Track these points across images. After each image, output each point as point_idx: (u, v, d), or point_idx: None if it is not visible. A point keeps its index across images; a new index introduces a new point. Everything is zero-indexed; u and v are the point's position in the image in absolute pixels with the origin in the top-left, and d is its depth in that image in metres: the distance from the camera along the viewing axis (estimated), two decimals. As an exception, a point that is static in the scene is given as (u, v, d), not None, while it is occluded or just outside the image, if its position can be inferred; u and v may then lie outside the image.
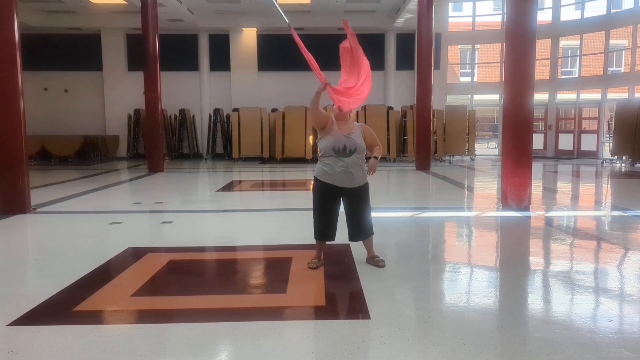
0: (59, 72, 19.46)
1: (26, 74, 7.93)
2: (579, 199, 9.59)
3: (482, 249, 5.59)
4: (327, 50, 22.80)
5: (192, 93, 19.84)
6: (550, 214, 7.47)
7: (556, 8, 19.12)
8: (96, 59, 19.45)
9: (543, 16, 19.36)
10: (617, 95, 18.37)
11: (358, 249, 4.92)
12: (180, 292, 3.96)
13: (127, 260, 4.94)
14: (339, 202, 4.44)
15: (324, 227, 4.43)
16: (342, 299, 3.86)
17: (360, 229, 4.46)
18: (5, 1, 7.21)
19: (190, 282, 4.27)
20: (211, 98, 19.93)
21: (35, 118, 16.20)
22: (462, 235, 6.35)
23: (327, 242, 4.57)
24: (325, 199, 4.38)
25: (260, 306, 3.68)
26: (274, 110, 18.29)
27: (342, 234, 5.51)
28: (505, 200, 7.56)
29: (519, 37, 7.42)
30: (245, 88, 19.67)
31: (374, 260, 4.53)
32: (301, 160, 17.15)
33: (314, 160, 17.20)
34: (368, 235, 4.52)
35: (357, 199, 4.41)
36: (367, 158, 4.43)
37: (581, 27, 18.49)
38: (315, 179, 4.43)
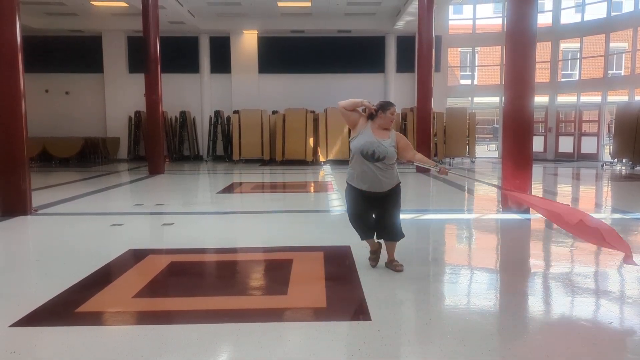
0: (60, 74, 19.50)
1: (27, 76, 7.94)
2: (580, 202, 9.59)
3: (483, 251, 5.60)
4: (326, 52, 22.84)
5: (192, 95, 19.87)
6: (551, 216, 7.47)
7: (556, 11, 19.15)
8: (97, 61, 19.50)
9: (543, 19, 19.37)
10: (618, 98, 18.38)
11: (359, 251, 4.93)
12: (181, 294, 3.97)
13: (128, 261, 4.95)
14: (372, 207, 4.41)
15: (363, 229, 4.43)
16: (343, 300, 3.86)
17: (387, 231, 4.41)
18: (7, 4, 7.24)
19: (192, 283, 4.27)
20: (212, 100, 19.96)
21: (36, 120, 16.20)
22: (462, 237, 6.35)
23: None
24: (358, 203, 4.36)
25: (262, 308, 3.69)
26: (274, 112, 18.31)
27: (340, 236, 5.51)
28: (506, 203, 7.57)
29: (519, 40, 7.44)
30: (246, 90, 19.70)
31: (392, 265, 4.47)
32: (302, 163, 17.16)
33: (315, 162, 17.30)
34: (395, 239, 4.45)
35: (387, 203, 4.35)
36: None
37: (581, 30, 18.51)
38: (347, 183, 4.42)
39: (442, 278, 4.48)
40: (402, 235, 4.47)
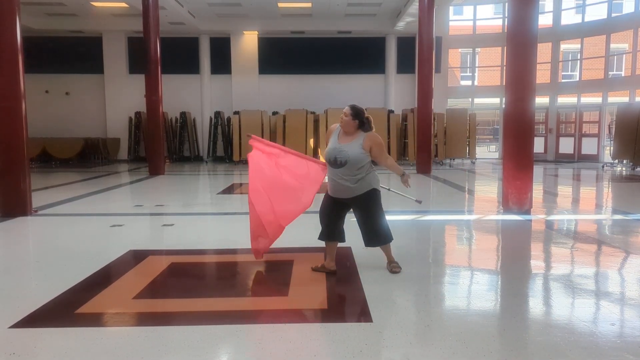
0: (60, 74, 19.50)
1: (28, 77, 7.94)
2: (580, 203, 9.59)
3: (483, 252, 5.59)
4: (327, 53, 22.78)
5: (193, 96, 19.87)
6: (552, 217, 7.47)
7: (557, 12, 19.16)
8: (97, 61, 19.49)
9: (544, 20, 19.36)
10: (618, 99, 18.38)
11: (360, 252, 4.93)
12: (181, 295, 3.96)
13: (128, 262, 4.94)
14: (344, 210, 4.38)
15: (326, 229, 4.43)
16: (344, 302, 3.85)
17: (369, 236, 4.35)
18: (7, 4, 7.24)
19: (192, 284, 4.27)
20: (212, 101, 19.96)
21: (36, 120, 16.21)
22: (463, 238, 6.34)
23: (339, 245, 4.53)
24: (328, 206, 4.38)
25: (263, 309, 3.69)
26: (274, 113, 18.30)
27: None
28: (507, 204, 7.56)
29: (520, 41, 7.43)
30: (246, 91, 19.70)
31: (390, 266, 4.43)
32: (302, 163, 17.13)
33: (315, 163, 17.28)
34: (382, 243, 4.38)
35: (360, 208, 4.30)
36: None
37: (582, 31, 18.51)
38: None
39: (443, 279, 4.47)
40: (388, 240, 4.37)
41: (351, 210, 4.40)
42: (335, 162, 4.17)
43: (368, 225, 4.32)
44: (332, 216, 4.37)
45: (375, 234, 4.33)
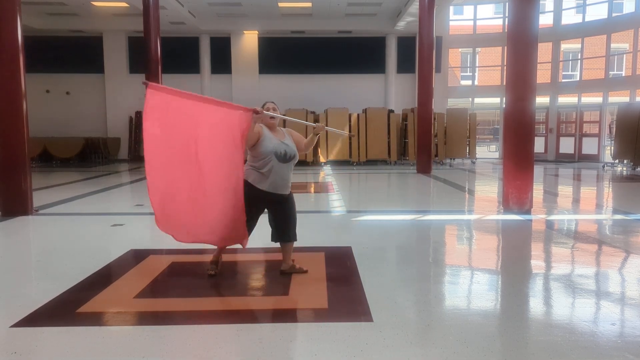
0: (61, 74, 19.53)
1: (29, 76, 7.94)
2: (580, 203, 9.59)
3: (484, 252, 5.59)
4: (327, 53, 22.70)
5: (193, 96, 19.87)
6: (552, 217, 7.47)
7: (557, 12, 19.17)
8: (98, 61, 19.52)
9: (544, 20, 19.35)
10: (619, 98, 18.39)
11: (360, 252, 4.93)
12: (182, 294, 3.97)
13: (129, 262, 4.95)
14: (267, 207, 4.32)
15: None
16: (345, 301, 3.85)
17: (285, 233, 4.34)
18: (8, 4, 7.25)
19: (193, 284, 4.27)
20: (212, 101, 19.94)
21: (37, 120, 16.20)
22: (463, 238, 6.34)
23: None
24: (253, 205, 4.15)
25: (263, 308, 3.69)
26: (275, 112, 18.31)
27: (341, 236, 5.51)
28: (507, 204, 7.56)
29: (520, 41, 7.44)
30: (246, 91, 19.70)
31: (295, 269, 4.41)
32: (302, 163, 17.15)
33: (315, 163, 17.30)
34: (290, 240, 4.37)
35: (288, 206, 4.30)
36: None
37: (582, 31, 18.52)
38: (247, 184, 4.05)
39: (444, 279, 4.47)
40: (296, 238, 4.42)
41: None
42: (285, 157, 4.16)
43: (293, 221, 4.34)
44: (254, 217, 4.27)
45: (290, 232, 4.35)
